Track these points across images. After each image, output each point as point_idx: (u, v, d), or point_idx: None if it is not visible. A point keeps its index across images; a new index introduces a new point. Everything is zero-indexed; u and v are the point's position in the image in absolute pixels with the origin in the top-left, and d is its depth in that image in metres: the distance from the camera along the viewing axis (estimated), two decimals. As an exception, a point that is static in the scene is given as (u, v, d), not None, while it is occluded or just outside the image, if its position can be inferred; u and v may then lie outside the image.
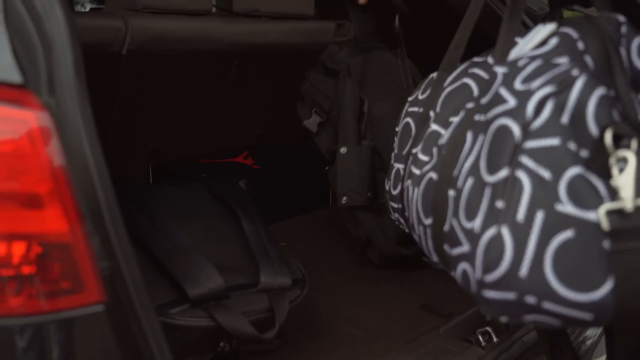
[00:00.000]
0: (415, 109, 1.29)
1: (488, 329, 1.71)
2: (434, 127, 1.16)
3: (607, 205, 0.84)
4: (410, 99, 1.32)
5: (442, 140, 1.12)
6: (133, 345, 1.12)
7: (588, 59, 0.95)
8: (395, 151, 1.31)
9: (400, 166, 1.26)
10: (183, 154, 2.51)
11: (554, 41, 1.00)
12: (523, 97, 0.93)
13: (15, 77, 1.05)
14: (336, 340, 1.77)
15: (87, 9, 3.89)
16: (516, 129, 0.92)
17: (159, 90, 2.29)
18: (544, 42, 1.01)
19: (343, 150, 2.16)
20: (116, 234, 1.11)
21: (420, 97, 1.29)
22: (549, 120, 0.90)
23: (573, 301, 0.87)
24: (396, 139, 1.32)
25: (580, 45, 0.96)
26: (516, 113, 0.93)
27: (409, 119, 1.30)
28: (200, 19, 2.23)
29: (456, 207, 1.01)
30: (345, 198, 2.15)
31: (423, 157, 1.16)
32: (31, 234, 1.04)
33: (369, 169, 2.17)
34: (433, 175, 1.11)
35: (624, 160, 0.85)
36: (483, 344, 1.68)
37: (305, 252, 2.16)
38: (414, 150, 1.20)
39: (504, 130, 0.93)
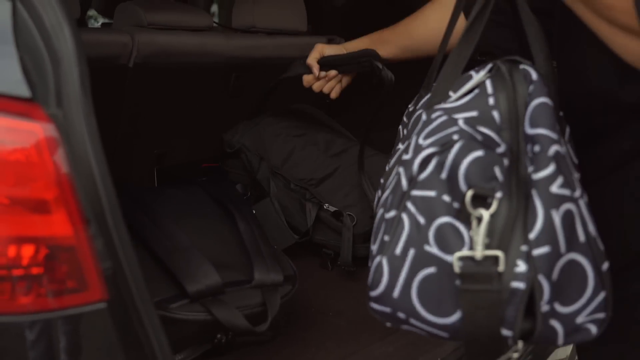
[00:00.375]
0: (405, 119, 1.30)
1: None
2: (399, 145, 1.19)
3: (460, 253, 0.93)
4: (409, 105, 1.34)
5: (390, 164, 1.17)
6: (134, 339, 1.12)
7: (495, 114, 1.00)
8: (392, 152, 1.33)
9: None
10: (185, 158, 2.51)
11: (475, 92, 1.04)
12: (416, 152, 1.01)
13: (24, 91, 1.04)
14: (325, 332, 1.77)
15: (100, 23, 3.88)
16: (404, 180, 1.01)
17: (163, 100, 2.28)
18: (471, 90, 1.05)
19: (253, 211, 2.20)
20: (118, 236, 1.10)
21: (410, 109, 1.29)
22: (430, 175, 0.98)
23: (431, 322, 0.97)
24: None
25: (491, 100, 1.01)
26: (408, 166, 1.01)
27: (400, 127, 1.31)
28: (201, 35, 2.23)
29: (373, 229, 1.09)
30: (274, 247, 2.15)
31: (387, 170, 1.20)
32: (39, 237, 1.04)
33: (285, 216, 2.23)
34: (379, 192, 1.17)
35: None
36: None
37: (296, 249, 2.17)
38: (391, 162, 1.20)
39: (398, 178, 1.02)
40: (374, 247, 1.04)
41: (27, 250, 1.03)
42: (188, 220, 1.78)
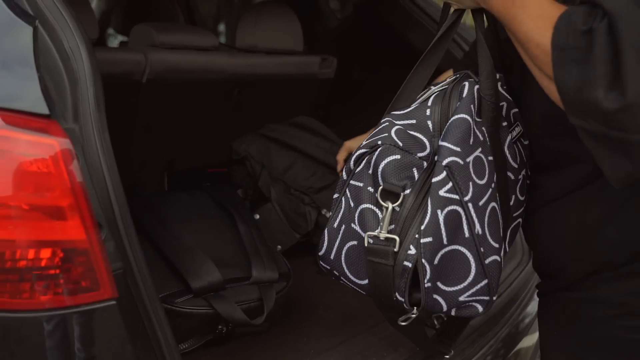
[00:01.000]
0: None
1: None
2: None
3: (370, 232, 1.07)
4: None
5: None
6: (142, 331, 1.12)
7: (429, 123, 1.10)
8: None
9: None
10: (193, 164, 2.50)
11: (423, 102, 1.15)
12: (356, 151, 1.14)
13: (43, 109, 1.04)
14: (315, 323, 1.76)
15: (118, 40, 3.87)
16: (344, 172, 1.15)
17: (172, 112, 2.28)
18: (427, 98, 1.16)
19: (257, 216, 2.19)
20: (128, 239, 1.10)
21: None
22: (361, 170, 1.12)
23: (354, 282, 1.16)
24: None
25: (428, 112, 1.11)
26: (348, 160, 1.15)
27: None
28: (207, 54, 2.22)
29: None
30: (279, 247, 2.14)
31: None
32: (55, 241, 1.03)
33: (285, 218, 2.22)
34: None
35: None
36: (437, 326, 1.66)
37: (292, 249, 2.17)
38: None
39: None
40: (327, 221, 1.20)
41: (45, 253, 1.02)
42: (193, 222, 1.77)
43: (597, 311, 1.05)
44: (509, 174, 1.14)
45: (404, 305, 1.08)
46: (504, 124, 1.15)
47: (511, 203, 1.15)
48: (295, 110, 2.58)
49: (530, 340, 1.92)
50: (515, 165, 1.15)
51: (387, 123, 1.13)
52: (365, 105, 2.81)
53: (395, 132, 1.10)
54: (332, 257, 1.17)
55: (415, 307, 1.09)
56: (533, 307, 1.93)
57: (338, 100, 2.79)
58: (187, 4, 3.76)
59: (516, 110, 1.18)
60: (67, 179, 1.03)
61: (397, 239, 1.04)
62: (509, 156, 1.14)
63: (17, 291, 1.02)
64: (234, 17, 4.71)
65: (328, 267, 1.20)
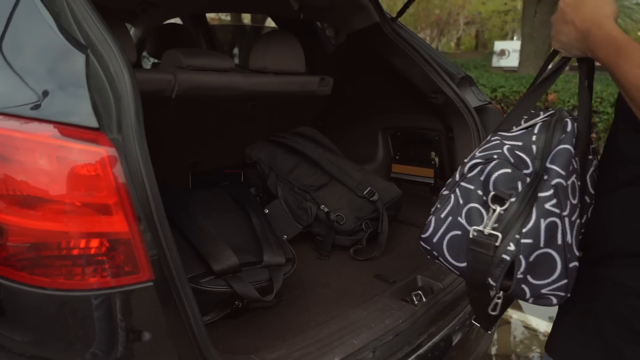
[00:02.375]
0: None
1: (419, 292, 1.69)
2: None
3: (476, 227, 1.09)
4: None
5: None
6: (173, 306, 1.12)
7: (534, 147, 1.12)
8: None
9: None
10: (213, 165, 2.50)
11: (529, 129, 1.16)
12: (470, 159, 1.16)
13: (93, 123, 1.04)
14: (315, 299, 1.76)
15: (151, 62, 3.85)
16: (457, 174, 1.17)
17: (197, 122, 2.27)
18: (528, 127, 1.17)
19: (266, 210, 2.19)
20: (162, 230, 1.10)
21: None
22: (474, 176, 1.13)
23: (451, 262, 1.17)
24: None
25: (534, 138, 1.13)
26: (462, 166, 1.17)
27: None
28: (226, 74, 2.21)
29: None
30: (285, 236, 2.13)
31: None
32: (103, 233, 1.03)
33: (290, 212, 2.21)
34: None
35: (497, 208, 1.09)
36: (416, 302, 1.66)
37: (295, 238, 2.17)
38: None
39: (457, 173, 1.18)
40: (432, 209, 1.21)
41: (94, 243, 1.03)
42: (214, 215, 1.77)
43: (608, 287, 1.07)
44: (586, 197, 1.16)
45: (494, 289, 1.10)
46: (590, 157, 1.17)
47: (583, 221, 1.17)
48: (298, 121, 2.58)
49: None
50: (592, 192, 1.17)
51: (498, 141, 1.16)
52: (356, 117, 2.83)
53: (507, 149, 1.13)
54: (434, 240, 1.18)
55: (502, 292, 1.11)
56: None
57: (334, 112, 2.79)
58: (208, 32, 3.75)
59: (594, 146, 1.20)
60: (112, 180, 1.03)
61: (500, 235, 1.06)
62: (589, 183, 1.16)
63: (70, 274, 1.02)
64: (246, 43, 4.70)
65: (428, 248, 1.21)
